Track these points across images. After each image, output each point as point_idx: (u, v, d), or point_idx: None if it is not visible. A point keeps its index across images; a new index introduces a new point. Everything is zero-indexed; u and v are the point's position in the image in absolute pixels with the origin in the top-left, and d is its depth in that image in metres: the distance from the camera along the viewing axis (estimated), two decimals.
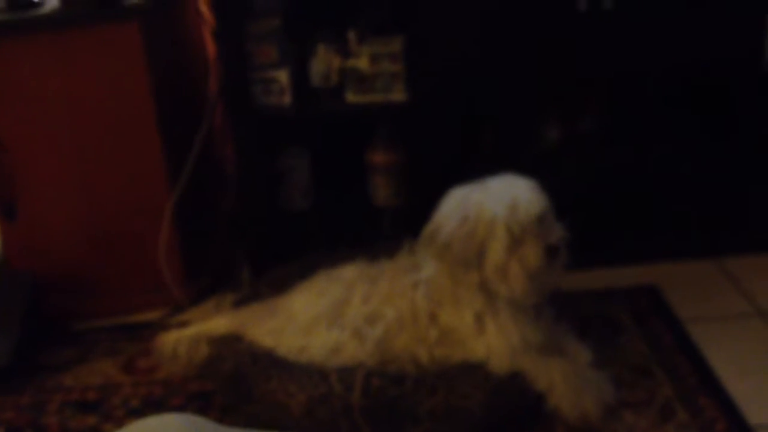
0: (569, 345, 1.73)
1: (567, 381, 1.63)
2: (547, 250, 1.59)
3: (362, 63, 2.07)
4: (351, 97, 2.10)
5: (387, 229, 2.29)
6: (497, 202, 1.60)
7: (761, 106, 2.24)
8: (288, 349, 1.71)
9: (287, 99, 2.11)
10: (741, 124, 2.32)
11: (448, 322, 1.68)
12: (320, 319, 1.72)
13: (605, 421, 1.62)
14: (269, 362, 1.67)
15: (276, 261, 2.08)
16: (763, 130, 2.30)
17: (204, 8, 2.23)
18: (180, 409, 1.79)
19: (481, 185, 1.66)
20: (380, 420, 1.57)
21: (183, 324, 1.92)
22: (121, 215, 2.14)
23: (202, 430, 0.59)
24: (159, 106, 2.06)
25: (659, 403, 1.68)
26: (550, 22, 2.06)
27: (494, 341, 1.64)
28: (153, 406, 1.80)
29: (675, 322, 1.94)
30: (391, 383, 1.60)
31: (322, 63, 2.11)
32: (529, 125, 2.36)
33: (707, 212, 2.24)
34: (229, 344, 1.73)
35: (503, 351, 1.63)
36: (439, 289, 1.68)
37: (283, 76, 2.08)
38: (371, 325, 1.69)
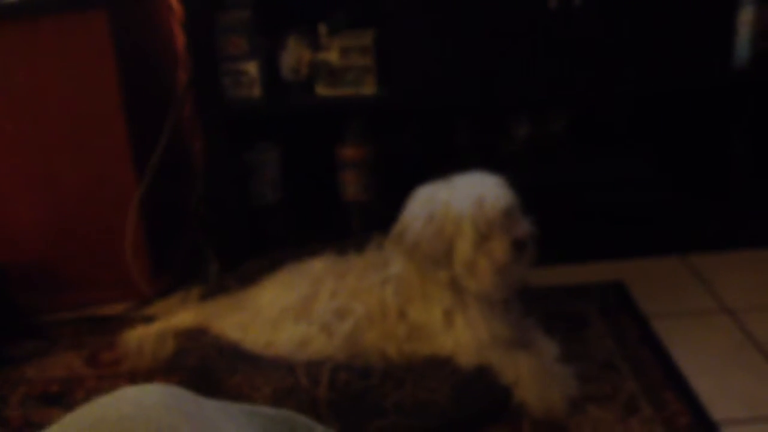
0: (536, 340, 1.74)
1: (533, 375, 1.64)
2: (515, 244, 1.60)
3: (333, 56, 2.07)
4: (321, 90, 2.10)
5: (356, 224, 2.29)
6: (463, 199, 1.61)
7: (728, 104, 2.27)
8: (255, 343, 1.70)
9: (257, 91, 2.09)
10: (708, 122, 2.35)
11: (416, 319, 1.68)
12: (288, 313, 1.71)
13: (570, 414, 1.63)
14: (235, 355, 1.66)
15: (244, 256, 2.07)
16: (730, 130, 2.33)
17: None
18: None
19: (447, 183, 1.66)
20: (346, 413, 1.57)
21: (148, 318, 1.91)
22: (88, 208, 2.12)
23: (182, 400, 0.58)
24: (126, 98, 2.03)
25: (624, 397, 1.69)
26: (521, 20, 2.06)
27: (462, 336, 1.65)
28: None
29: (641, 318, 1.95)
30: (358, 377, 1.59)
31: (293, 56, 2.11)
32: (499, 123, 2.37)
33: (674, 209, 2.26)
34: (195, 337, 1.72)
35: (471, 345, 1.64)
36: (407, 286, 1.68)
37: (252, 68, 2.07)
38: (340, 319, 1.68)
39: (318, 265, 1.80)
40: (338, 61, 2.07)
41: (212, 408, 0.61)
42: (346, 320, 1.68)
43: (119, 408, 0.57)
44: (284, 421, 0.65)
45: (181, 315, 1.84)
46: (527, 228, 1.63)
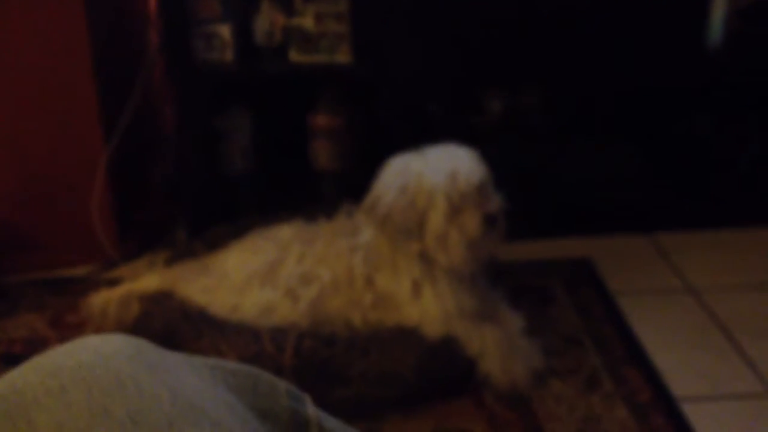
0: (502, 313, 1.75)
1: (498, 347, 1.65)
2: (486, 219, 1.60)
3: (307, 22, 2.04)
4: (295, 56, 2.07)
5: (327, 193, 2.27)
6: (437, 171, 1.60)
7: (700, 86, 2.28)
8: (221, 307, 1.69)
9: (229, 55, 2.07)
10: (680, 104, 2.36)
11: (384, 287, 1.68)
12: (254, 277, 1.70)
13: (533, 387, 1.64)
14: (201, 320, 1.65)
15: (213, 222, 2.05)
16: (700, 112, 2.35)
17: None
18: None
19: (420, 154, 1.65)
20: (311, 381, 1.57)
21: (113, 281, 1.89)
22: (54, 169, 2.08)
23: (144, 351, 0.58)
24: (96, 59, 1.99)
25: (586, 372, 1.70)
26: None
27: (429, 306, 1.65)
28: None
29: (606, 295, 1.97)
30: (323, 345, 1.59)
31: (266, 20, 2.08)
32: (472, 95, 2.37)
33: (643, 188, 2.27)
34: (160, 301, 1.71)
35: (437, 316, 1.65)
36: (377, 255, 1.68)
37: (225, 31, 2.05)
38: (305, 285, 1.68)
39: (285, 231, 1.79)
40: (313, 27, 2.04)
41: (175, 360, 0.60)
42: (311, 286, 1.67)
43: (78, 356, 0.57)
44: (247, 375, 0.65)
45: (147, 279, 1.82)
46: (499, 203, 1.63)
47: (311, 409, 0.68)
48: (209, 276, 1.74)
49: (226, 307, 1.68)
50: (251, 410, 0.62)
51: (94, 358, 0.56)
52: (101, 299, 1.80)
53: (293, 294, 1.67)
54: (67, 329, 1.89)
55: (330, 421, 0.69)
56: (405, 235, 1.62)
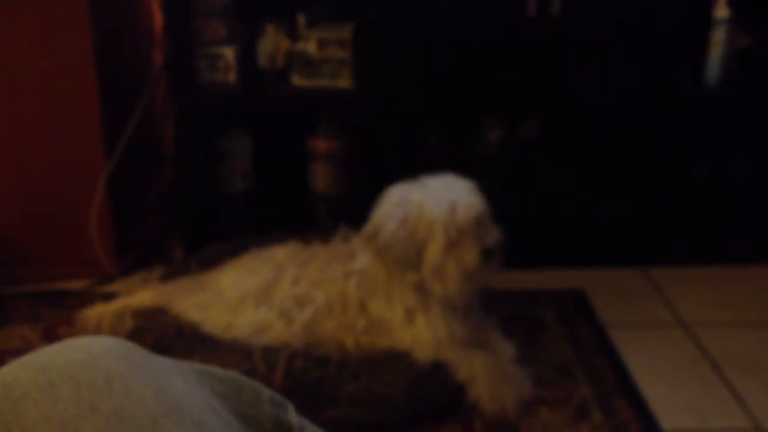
0: (494, 341, 1.75)
1: (488, 374, 1.65)
2: (483, 252, 1.61)
3: (310, 47, 2.07)
4: (297, 80, 2.10)
5: (324, 216, 2.29)
6: (437, 203, 1.61)
7: (692, 125, 2.30)
8: (214, 325, 1.69)
9: (232, 77, 2.09)
10: (675, 140, 2.38)
11: (377, 313, 1.69)
12: (248, 297, 1.71)
13: (522, 415, 1.64)
14: (193, 336, 1.66)
15: (209, 241, 2.06)
16: (696, 148, 2.37)
17: None
18: None
19: (420, 185, 1.66)
20: (301, 401, 1.56)
21: (108, 295, 1.90)
22: (54, 183, 2.10)
23: (132, 352, 0.59)
24: (101, 75, 2.02)
25: (576, 402, 1.70)
26: (499, 25, 2.08)
27: (421, 332, 1.66)
28: None
29: (598, 326, 1.97)
30: (315, 365, 1.60)
31: (270, 44, 2.11)
32: (471, 126, 2.39)
33: (637, 223, 2.29)
34: (154, 317, 1.71)
35: (428, 341, 1.65)
36: (372, 281, 1.69)
37: (229, 53, 2.07)
38: (299, 307, 1.69)
39: (281, 252, 1.80)
40: (316, 52, 2.07)
41: (162, 363, 0.61)
42: (305, 308, 1.68)
43: (68, 354, 0.58)
44: (232, 382, 0.66)
45: (141, 294, 1.83)
46: (496, 236, 1.64)
47: (293, 417, 0.69)
48: (204, 292, 1.75)
49: (220, 325, 1.69)
50: (235, 415, 0.63)
51: (84, 356, 0.57)
52: (96, 313, 1.81)
53: (287, 315, 1.68)
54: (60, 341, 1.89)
55: (312, 430, 0.70)
56: (403, 265, 1.63)
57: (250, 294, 1.71)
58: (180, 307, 1.74)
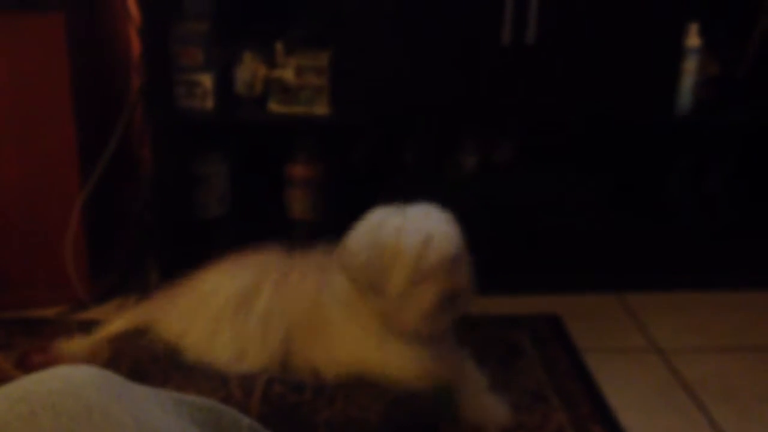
0: (468, 368, 1.75)
1: (464, 402, 1.65)
2: (445, 295, 1.57)
3: (288, 74, 2.08)
4: (274, 106, 2.11)
5: (300, 242, 2.29)
6: (412, 235, 1.58)
7: (668, 148, 2.34)
8: (195, 339, 1.69)
9: (210, 103, 2.10)
10: (649, 166, 2.41)
11: (349, 336, 1.68)
12: (229, 305, 1.71)
13: None
14: (169, 363, 1.65)
15: (185, 266, 2.05)
16: (670, 174, 2.40)
17: (132, 5, 2.22)
18: None
19: (397, 213, 1.63)
20: (278, 427, 1.56)
21: (83, 323, 1.88)
22: (29, 207, 2.08)
23: (112, 382, 0.59)
24: (77, 100, 2.01)
25: (552, 428, 1.71)
26: (474, 52, 2.11)
27: (391, 361, 1.65)
28: None
29: (573, 351, 1.98)
30: (291, 391, 1.60)
31: (248, 71, 2.12)
32: (447, 151, 2.41)
33: (614, 248, 2.31)
34: (130, 341, 1.71)
35: (398, 371, 1.64)
36: (345, 304, 1.69)
37: (207, 80, 2.08)
38: (274, 326, 1.69)
39: (263, 258, 1.80)
40: (293, 79, 2.08)
41: (141, 392, 0.62)
42: (279, 329, 1.68)
43: (49, 384, 0.58)
44: (210, 410, 0.66)
45: (118, 323, 1.82)
46: (465, 279, 1.61)
47: None
48: (185, 298, 1.75)
49: (202, 337, 1.69)
50: None
51: (64, 386, 0.57)
52: (72, 347, 1.79)
53: (263, 335, 1.68)
54: (34, 370, 1.86)
55: None
56: (374, 292, 1.61)
57: (231, 302, 1.71)
58: (162, 320, 1.73)
